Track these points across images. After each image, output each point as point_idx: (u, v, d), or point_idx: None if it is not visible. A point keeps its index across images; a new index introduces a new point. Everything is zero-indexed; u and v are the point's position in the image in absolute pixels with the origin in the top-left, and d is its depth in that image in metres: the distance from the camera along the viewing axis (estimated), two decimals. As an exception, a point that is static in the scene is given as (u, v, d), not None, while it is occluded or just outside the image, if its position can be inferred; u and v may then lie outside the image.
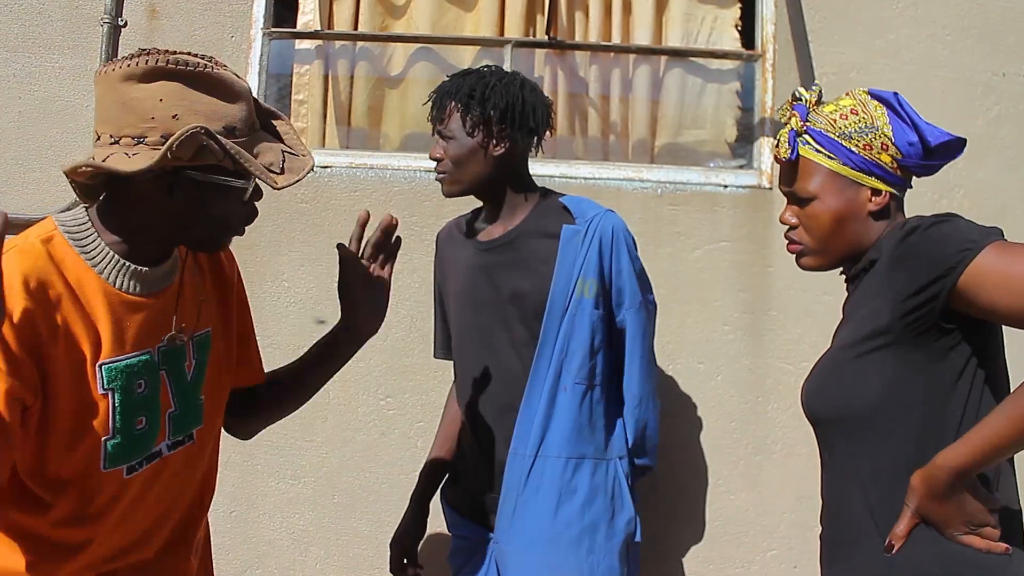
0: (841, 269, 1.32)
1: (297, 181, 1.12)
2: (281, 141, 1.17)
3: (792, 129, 1.28)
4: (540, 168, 2.10)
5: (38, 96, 2.20)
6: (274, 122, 1.19)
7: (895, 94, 1.24)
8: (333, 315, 2.24)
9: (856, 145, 1.22)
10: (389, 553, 1.77)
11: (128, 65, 1.05)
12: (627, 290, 1.64)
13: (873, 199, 1.23)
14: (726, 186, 2.22)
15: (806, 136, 1.26)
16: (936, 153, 1.23)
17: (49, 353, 1.05)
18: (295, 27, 2.32)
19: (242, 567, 2.17)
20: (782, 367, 2.20)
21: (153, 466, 1.19)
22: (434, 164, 1.68)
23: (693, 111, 2.34)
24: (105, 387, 1.10)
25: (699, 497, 2.18)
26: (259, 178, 1.09)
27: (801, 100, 1.28)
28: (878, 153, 1.22)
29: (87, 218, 1.13)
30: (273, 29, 2.25)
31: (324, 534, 2.16)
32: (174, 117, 1.03)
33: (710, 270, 2.20)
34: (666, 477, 2.12)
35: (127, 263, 1.13)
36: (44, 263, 1.06)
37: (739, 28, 2.33)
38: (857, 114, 1.24)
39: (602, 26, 2.32)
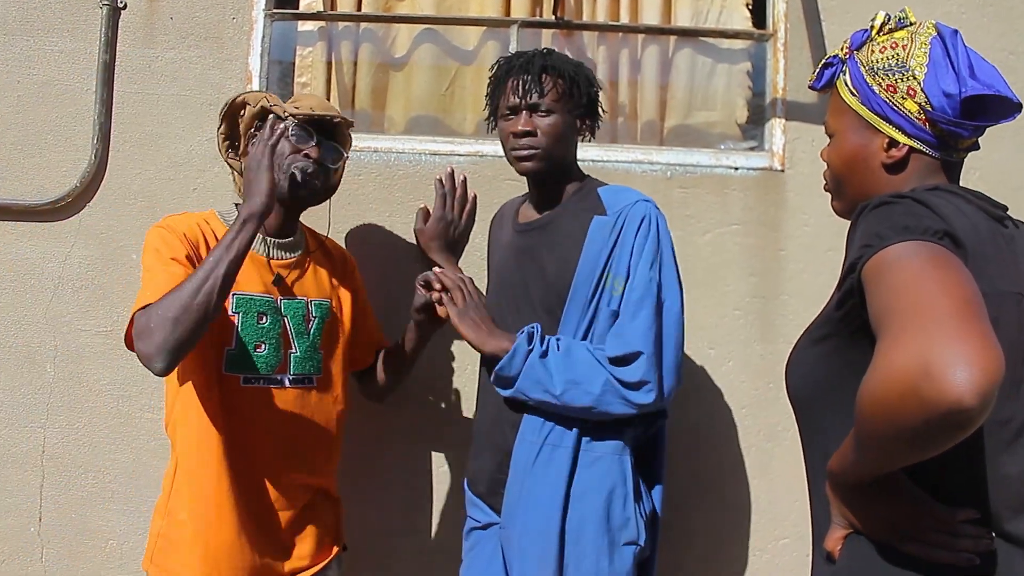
0: None
1: (316, 115, 1.67)
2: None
3: (834, 55, 1.16)
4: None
5: (37, 80, 2.16)
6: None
7: (955, 31, 1.05)
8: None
9: (879, 84, 1.07)
10: None
11: None
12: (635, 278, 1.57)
13: (888, 151, 1.08)
14: (737, 168, 2.17)
15: (847, 66, 1.13)
16: (972, 110, 1.02)
17: None
18: (298, 8, 2.28)
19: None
20: (794, 352, 2.16)
21: (272, 390, 1.62)
22: (518, 138, 1.62)
23: (703, 92, 2.29)
24: (233, 310, 1.59)
25: (709, 484, 2.15)
26: (289, 114, 1.65)
27: (869, 27, 1.12)
28: (902, 98, 1.05)
29: (236, 207, 1.70)
30: (275, 11, 2.21)
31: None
32: None
33: (720, 254, 2.16)
34: (676, 464, 2.09)
35: (262, 235, 1.66)
36: (200, 221, 1.64)
37: (750, 7, 2.28)
38: (896, 47, 1.07)
39: (610, 6, 2.28)
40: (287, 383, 1.64)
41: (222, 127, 1.77)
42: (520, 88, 1.62)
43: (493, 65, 1.74)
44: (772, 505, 2.16)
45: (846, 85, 1.13)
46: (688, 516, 2.14)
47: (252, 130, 1.70)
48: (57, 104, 2.16)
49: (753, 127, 2.28)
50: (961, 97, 1.01)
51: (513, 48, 2.18)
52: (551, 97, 1.61)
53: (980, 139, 1.12)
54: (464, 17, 2.27)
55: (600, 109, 1.71)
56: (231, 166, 1.83)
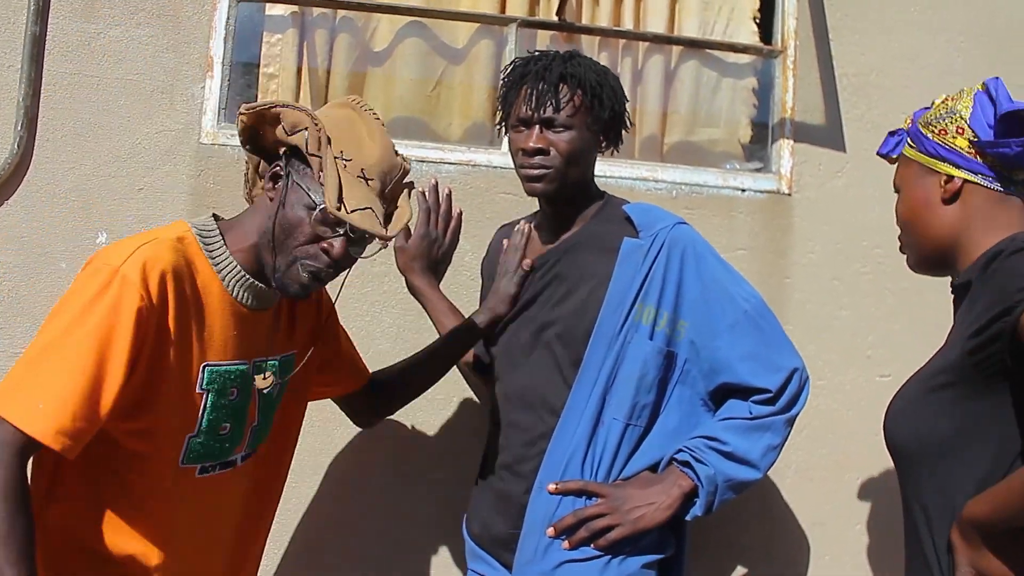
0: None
1: (355, 229, 1.14)
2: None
3: (900, 129, 1.27)
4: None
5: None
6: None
7: (997, 79, 1.15)
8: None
9: (932, 131, 1.18)
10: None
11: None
12: (703, 316, 1.43)
13: (944, 186, 1.16)
14: (744, 190, 2.05)
15: (910, 131, 1.24)
16: (1009, 128, 1.09)
17: (165, 345, 1.12)
18: (266, -11, 2.02)
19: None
20: (798, 386, 2.05)
21: (224, 475, 1.25)
22: (528, 155, 1.43)
23: (707, 108, 2.17)
24: (203, 387, 1.18)
25: (709, 525, 2.01)
26: (328, 200, 1.11)
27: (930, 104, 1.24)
28: (952, 137, 1.15)
29: (216, 227, 1.22)
30: (241, -10, 1.94)
31: (295, 570, 1.88)
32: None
33: (726, 280, 2.03)
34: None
35: (247, 276, 1.21)
36: (180, 260, 1.14)
37: (757, 21, 2.17)
38: (947, 101, 1.19)
39: (613, 12, 2.12)
40: (239, 462, 1.28)
41: (245, 119, 1.23)
42: (534, 99, 1.42)
43: (508, 65, 1.55)
44: (773, 545, 2.05)
45: (909, 144, 1.23)
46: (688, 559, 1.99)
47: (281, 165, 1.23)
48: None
49: (757, 147, 2.17)
50: (998, 115, 1.08)
51: (510, 49, 1.99)
52: (568, 111, 1.42)
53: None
54: (456, 12, 2.06)
55: (627, 122, 1.54)
56: (250, 159, 1.32)
